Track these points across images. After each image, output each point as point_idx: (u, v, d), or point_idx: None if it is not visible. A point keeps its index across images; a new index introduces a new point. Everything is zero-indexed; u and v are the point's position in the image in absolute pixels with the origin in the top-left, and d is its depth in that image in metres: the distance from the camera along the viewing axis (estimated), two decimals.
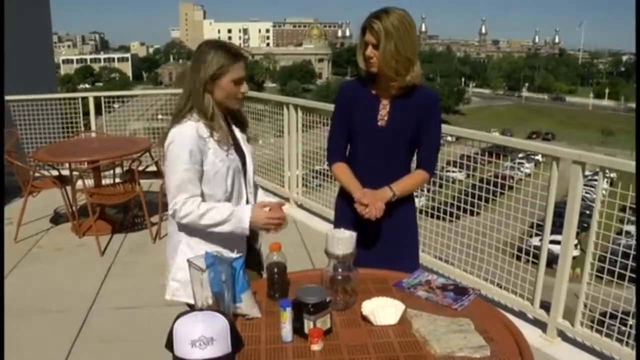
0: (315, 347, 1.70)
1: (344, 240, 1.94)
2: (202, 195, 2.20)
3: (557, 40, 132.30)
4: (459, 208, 4.32)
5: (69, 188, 5.46)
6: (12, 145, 5.80)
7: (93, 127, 7.55)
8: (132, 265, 4.77)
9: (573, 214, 3.40)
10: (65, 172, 5.82)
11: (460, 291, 2.08)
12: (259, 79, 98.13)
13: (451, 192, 4.75)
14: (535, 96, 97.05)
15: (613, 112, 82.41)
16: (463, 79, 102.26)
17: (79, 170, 5.53)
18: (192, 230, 2.24)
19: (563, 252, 3.49)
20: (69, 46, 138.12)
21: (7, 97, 6.79)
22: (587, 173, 3.40)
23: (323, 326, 1.74)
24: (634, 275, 3.16)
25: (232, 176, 2.24)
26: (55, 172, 5.81)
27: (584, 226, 3.64)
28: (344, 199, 2.65)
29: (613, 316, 3.30)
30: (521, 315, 3.80)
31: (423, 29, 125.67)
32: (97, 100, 7.56)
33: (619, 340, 3.25)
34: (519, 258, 4.02)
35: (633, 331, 3.20)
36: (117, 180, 5.86)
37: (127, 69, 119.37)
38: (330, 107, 5.12)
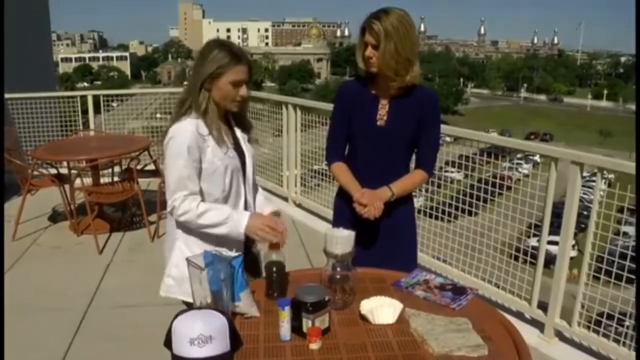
0: (314, 346, 1.70)
1: (343, 240, 1.95)
2: (201, 192, 2.20)
3: (555, 41, 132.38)
4: (457, 208, 4.33)
5: (67, 186, 5.46)
6: (11, 144, 5.80)
7: (92, 125, 7.55)
8: (130, 264, 4.78)
9: (571, 215, 3.41)
10: (64, 171, 5.84)
11: (458, 291, 2.09)
12: (258, 78, 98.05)
13: (449, 192, 4.76)
14: (534, 97, 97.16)
15: (611, 113, 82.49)
16: (462, 79, 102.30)
17: (78, 168, 5.54)
18: (189, 228, 2.24)
19: (561, 252, 3.50)
20: (67, 45, 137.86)
21: (5, 96, 6.79)
22: (585, 174, 3.41)
23: (321, 325, 1.75)
24: (631, 276, 3.17)
25: (230, 175, 2.24)
26: (53, 171, 5.81)
27: (581, 227, 3.64)
28: (343, 198, 2.66)
29: (610, 317, 3.31)
30: (519, 315, 3.81)
31: (422, 29, 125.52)
32: (95, 98, 7.57)
33: (616, 341, 3.26)
34: (516, 258, 4.03)
35: (630, 331, 3.21)
36: (116, 178, 5.86)
37: (126, 67, 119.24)
38: (329, 106, 5.12)
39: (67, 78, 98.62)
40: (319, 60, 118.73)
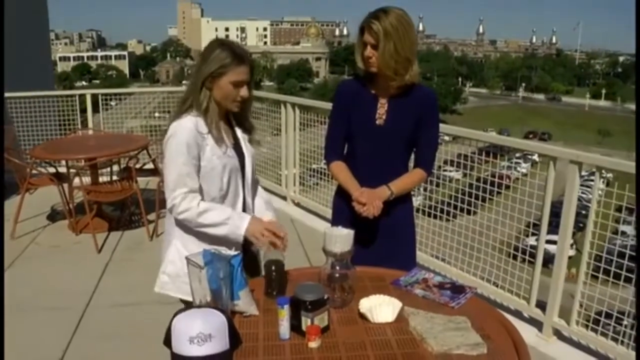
0: (313, 344, 1.71)
1: (342, 238, 1.95)
2: (200, 190, 2.21)
3: (554, 41, 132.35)
4: (455, 207, 4.34)
5: (66, 185, 5.46)
6: (9, 143, 5.79)
7: (90, 124, 7.54)
8: (129, 263, 4.78)
9: (569, 214, 3.41)
10: (63, 170, 5.83)
11: (457, 289, 2.09)
12: (257, 77, 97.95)
13: (448, 191, 4.76)
14: (532, 96, 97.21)
15: (609, 112, 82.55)
16: (460, 79, 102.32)
17: (76, 167, 5.54)
18: (186, 226, 2.25)
19: (559, 251, 3.51)
20: (65, 44, 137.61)
21: (4, 94, 6.78)
22: (583, 173, 3.41)
23: (321, 323, 1.75)
24: (630, 275, 3.17)
25: (228, 174, 2.24)
26: (52, 170, 5.79)
27: (579, 226, 3.65)
28: (342, 197, 2.66)
29: (609, 315, 3.32)
30: (517, 314, 3.81)
31: (420, 28, 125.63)
32: (94, 97, 7.56)
33: (614, 340, 3.27)
34: (515, 257, 4.03)
35: (628, 330, 3.21)
36: (114, 177, 5.85)
37: (124, 66, 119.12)
38: (328, 105, 5.12)
39: (66, 77, 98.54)
40: (318, 59, 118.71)
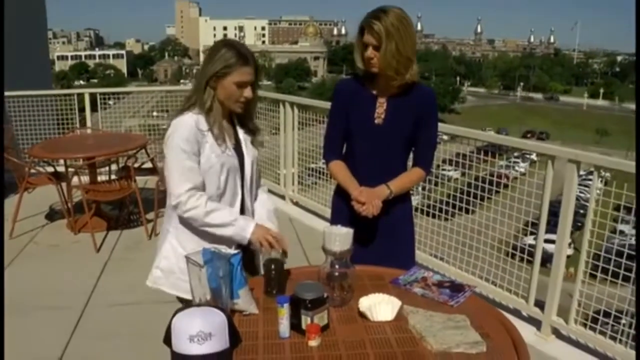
0: (313, 342, 1.71)
1: (341, 237, 1.96)
2: (203, 185, 2.21)
3: (552, 40, 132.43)
4: (454, 206, 4.34)
5: (64, 184, 5.46)
6: (7, 142, 5.79)
7: (88, 123, 7.54)
8: (127, 262, 4.78)
9: (568, 212, 3.42)
10: (61, 169, 5.82)
11: (456, 288, 2.10)
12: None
13: (446, 190, 4.77)
14: (531, 96, 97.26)
15: (607, 112, 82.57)
16: (458, 78, 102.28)
17: (75, 166, 5.53)
18: (182, 222, 2.26)
19: (558, 250, 3.51)
20: (63, 42, 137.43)
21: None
22: (581, 173, 3.42)
23: (320, 322, 1.76)
24: (628, 274, 3.18)
25: (226, 173, 2.25)
26: (50, 169, 5.79)
27: (578, 225, 3.66)
28: (341, 196, 2.66)
29: (607, 314, 3.33)
30: (516, 312, 3.82)
31: (419, 27, 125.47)
32: (92, 96, 7.56)
33: (613, 338, 3.28)
34: (513, 256, 4.04)
35: (627, 329, 3.22)
36: (113, 176, 5.86)
37: (122, 65, 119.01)
38: (326, 104, 5.13)
39: (63, 76, 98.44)
40: (316, 58, 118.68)
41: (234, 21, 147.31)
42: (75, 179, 5.26)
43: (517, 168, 7.47)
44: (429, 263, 4.37)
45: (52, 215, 5.92)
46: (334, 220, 2.61)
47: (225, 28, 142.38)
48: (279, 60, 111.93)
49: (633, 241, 3.35)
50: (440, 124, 2.96)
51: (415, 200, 4.45)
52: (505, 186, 4.37)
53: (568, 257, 3.55)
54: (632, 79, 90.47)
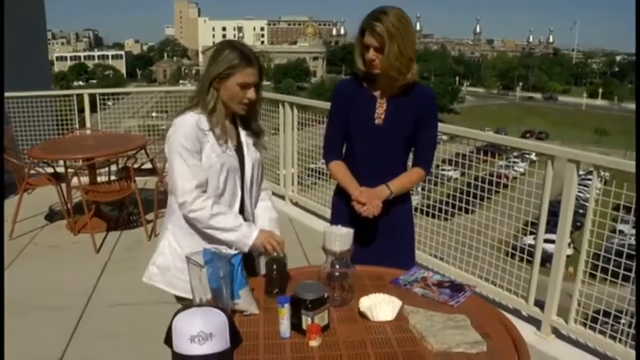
0: (313, 342, 1.71)
1: (342, 237, 1.96)
2: (207, 183, 2.21)
3: (551, 40, 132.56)
4: (453, 206, 4.34)
5: (64, 185, 5.45)
6: (7, 143, 5.78)
7: (88, 124, 7.53)
8: (127, 263, 4.77)
9: (568, 212, 3.42)
10: (61, 170, 5.82)
11: (456, 288, 2.10)
12: None
13: (446, 190, 4.77)
14: (530, 95, 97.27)
15: (606, 112, 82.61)
16: (457, 78, 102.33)
17: (74, 167, 5.53)
18: (180, 220, 2.27)
19: (557, 250, 3.52)
20: (62, 43, 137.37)
21: None
22: (580, 172, 3.42)
23: (321, 322, 1.76)
24: (628, 274, 3.18)
25: (225, 174, 2.25)
26: (50, 170, 5.79)
27: (577, 225, 3.67)
28: (341, 197, 2.66)
29: (607, 314, 3.33)
30: (515, 312, 3.82)
31: (418, 27, 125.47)
32: (92, 97, 7.55)
33: (613, 338, 3.28)
34: (513, 256, 4.04)
35: (627, 328, 3.22)
36: (113, 177, 5.85)
37: (121, 66, 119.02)
38: (326, 104, 5.13)
39: (62, 77, 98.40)
40: (315, 58, 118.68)
41: (233, 21, 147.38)
42: (74, 180, 5.26)
43: (516, 168, 7.47)
44: (428, 263, 4.38)
45: (52, 216, 5.92)
46: (334, 221, 2.61)
47: (224, 28, 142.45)
48: (278, 61, 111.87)
49: (632, 241, 3.36)
50: (439, 124, 2.96)
51: (414, 200, 4.46)
52: (505, 186, 4.38)
53: (568, 256, 3.55)
54: (631, 79, 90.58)
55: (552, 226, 3.55)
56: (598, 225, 3.35)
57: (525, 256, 3.82)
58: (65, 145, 6.03)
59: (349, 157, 2.67)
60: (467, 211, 4.24)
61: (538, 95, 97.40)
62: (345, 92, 2.65)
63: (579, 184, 3.45)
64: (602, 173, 3.40)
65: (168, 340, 1.59)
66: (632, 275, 3.18)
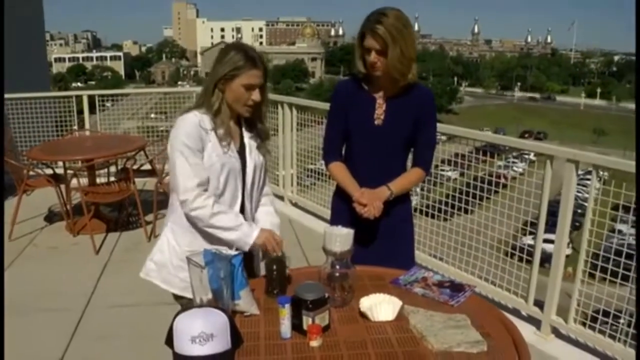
0: (314, 343, 1.71)
1: (342, 238, 1.96)
2: (209, 181, 2.21)
3: (549, 40, 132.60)
4: (453, 206, 4.35)
5: (63, 186, 5.45)
6: (6, 144, 5.78)
7: (87, 125, 7.53)
8: (127, 264, 4.77)
9: (567, 212, 3.43)
10: (60, 171, 5.81)
11: (456, 288, 2.10)
12: None
13: (445, 190, 4.77)
14: (528, 95, 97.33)
15: (604, 111, 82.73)
16: (456, 78, 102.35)
17: (74, 168, 5.53)
18: (180, 218, 2.27)
19: (557, 249, 3.52)
20: (60, 45, 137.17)
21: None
22: (579, 172, 3.43)
23: (322, 322, 1.76)
24: (627, 273, 3.19)
25: (226, 174, 2.25)
26: (49, 171, 5.79)
27: (576, 225, 3.67)
28: (341, 198, 2.67)
29: (606, 314, 3.33)
30: (515, 312, 3.83)
31: (416, 28, 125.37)
32: (90, 99, 7.55)
33: (612, 337, 3.29)
34: (512, 256, 4.05)
35: (626, 328, 3.23)
36: (112, 178, 5.85)
37: (120, 67, 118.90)
38: (325, 105, 5.13)
39: (61, 78, 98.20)
40: (313, 59, 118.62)
41: (231, 22, 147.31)
42: (74, 181, 5.26)
43: (515, 168, 7.47)
44: (428, 263, 4.38)
45: (51, 217, 5.92)
46: (333, 222, 2.60)
47: (222, 29, 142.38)
48: (276, 62, 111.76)
49: (631, 240, 3.36)
50: (438, 124, 2.97)
51: (414, 200, 4.46)
52: (504, 186, 4.38)
53: (567, 256, 3.55)
54: (629, 79, 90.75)
55: (551, 226, 3.56)
56: (597, 225, 3.35)
57: (524, 256, 3.82)
58: (65, 147, 6.03)
59: (348, 158, 2.67)
60: (466, 211, 4.24)
61: (536, 95, 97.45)
62: (344, 92, 2.65)
63: (578, 184, 3.46)
64: (601, 173, 3.40)
65: (169, 341, 1.60)
66: (631, 274, 3.18)
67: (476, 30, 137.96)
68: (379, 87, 2.55)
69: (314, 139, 5.95)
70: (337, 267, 1.97)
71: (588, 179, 3.32)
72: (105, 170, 6.06)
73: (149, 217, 5.38)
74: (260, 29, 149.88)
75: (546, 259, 3.60)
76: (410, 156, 2.70)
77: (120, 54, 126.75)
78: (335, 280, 1.96)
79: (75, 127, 7.38)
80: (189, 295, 2.00)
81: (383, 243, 2.61)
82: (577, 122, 75.67)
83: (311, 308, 1.75)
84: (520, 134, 61.25)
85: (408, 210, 2.75)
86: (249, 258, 2.40)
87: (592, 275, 3.41)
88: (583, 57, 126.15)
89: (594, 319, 3.43)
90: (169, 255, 2.34)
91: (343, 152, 2.71)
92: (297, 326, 1.77)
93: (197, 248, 2.04)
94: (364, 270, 2.18)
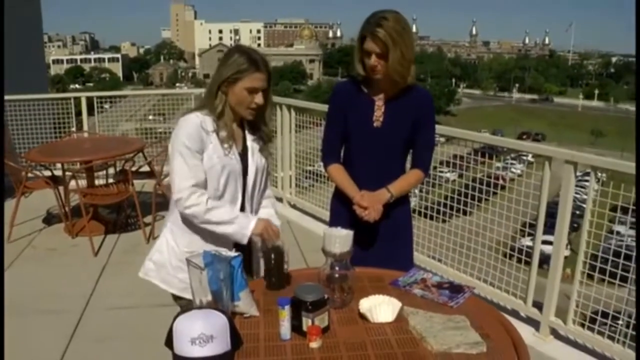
0: (314, 344, 1.72)
1: (341, 239, 1.96)
2: (205, 183, 2.22)
3: (547, 42, 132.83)
4: (451, 208, 4.35)
5: (61, 188, 5.45)
6: (6, 146, 5.78)
7: (85, 127, 7.53)
8: (125, 266, 4.76)
9: (565, 213, 3.43)
10: (58, 173, 5.81)
11: (456, 289, 2.11)
12: None
13: (444, 192, 4.78)
14: (526, 97, 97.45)
15: (602, 113, 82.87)
16: (454, 80, 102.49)
17: (72, 170, 5.52)
18: (178, 218, 2.28)
19: (555, 250, 3.53)
20: (59, 46, 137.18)
21: None
22: (577, 174, 3.43)
23: (321, 324, 1.76)
24: (626, 274, 3.20)
25: (226, 176, 2.25)
26: (47, 173, 5.79)
27: (574, 226, 3.67)
28: (340, 199, 2.67)
29: (605, 315, 3.34)
30: (514, 313, 3.83)
31: (414, 29, 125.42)
32: (88, 100, 7.54)
33: (611, 338, 3.29)
34: (511, 258, 4.05)
35: (625, 329, 3.23)
36: (110, 180, 5.85)
37: (118, 69, 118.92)
38: (323, 107, 5.13)
39: (59, 80, 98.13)
40: (311, 61, 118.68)
41: (229, 24, 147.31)
42: (72, 183, 5.25)
43: (513, 169, 7.49)
44: (426, 265, 4.38)
45: (50, 219, 5.91)
46: (333, 223, 2.60)
47: (220, 31, 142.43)
48: (274, 63, 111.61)
49: (630, 242, 3.37)
50: (436, 126, 2.97)
51: (412, 202, 4.46)
52: (502, 187, 4.38)
53: (565, 258, 3.56)
54: (627, 80, 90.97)
55: (549, 227, 3.56)
56: (595, 226, 3.36)
57: (523, 257, 3.83)
58: (63, 149, 6.03)
59: (347, 160, 2.68)
60: (465, 213, 4.24)
61: (535, 97, 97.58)
62: (343, 94, 2.65)
63: (576, 185, 3.46)
64: (599, 174, 3.41)
65: (169, 343, 1.60)
66: (630, 275, 3.19)
67: (474, 31, 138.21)
68: (378, 89, 2.55)
69: (313, 140, 5.96)
70: (337, 268, 1.97)
71: (586, 181, 3.32)
72: (104, 172, 6.05)
73: (148, 219, 5.38)
74: (259, 31, 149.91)
75: (545, 260, 3.61)
76: (409, 158, 2.70)
77: (118, 55, 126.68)
78: (335, 281, 1.96)
79: (74, 129, 7.37)
80: (187, 296, 2.00)
81: (382, 244, 2.61)
82: (575, 124, 75.77)
83: (311, 309, 1.75)
84: (518, 136, 61.38)
85: (407, 212, 2.75)
86: (248, 259, 2.41)
87: (590, 277, 3.41)
88: (581, 58, 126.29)
89: (593, 320, 3.44)
90: (167, 256, 2.34)
91: (342, 154, 2.71)
92: (296, 327, 1.77)
93: (196, 249, 2.05)
94: (364, 272, 2.18)
